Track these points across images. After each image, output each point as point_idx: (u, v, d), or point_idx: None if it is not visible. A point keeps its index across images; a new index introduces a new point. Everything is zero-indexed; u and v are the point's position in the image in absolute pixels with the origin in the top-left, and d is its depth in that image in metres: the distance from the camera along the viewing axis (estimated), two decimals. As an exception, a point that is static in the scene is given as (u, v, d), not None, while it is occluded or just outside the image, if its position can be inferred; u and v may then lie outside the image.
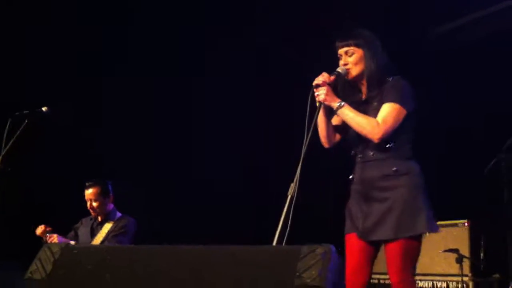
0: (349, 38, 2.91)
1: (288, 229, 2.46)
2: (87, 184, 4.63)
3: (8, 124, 4.05)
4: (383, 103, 2.82)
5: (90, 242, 4.54)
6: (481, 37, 5.43)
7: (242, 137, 6.04)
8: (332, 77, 2.88)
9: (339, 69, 2.91)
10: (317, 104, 2.86)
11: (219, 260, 1.77)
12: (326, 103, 2.84)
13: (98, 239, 4.53)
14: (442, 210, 5.06)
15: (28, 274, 1.89)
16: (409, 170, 2.83)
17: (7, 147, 4.01)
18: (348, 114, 2.82)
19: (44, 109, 4.15)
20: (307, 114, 2.77)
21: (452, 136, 5.34)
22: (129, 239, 4.55)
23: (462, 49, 5.51)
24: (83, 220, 4.80)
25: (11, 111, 4.14)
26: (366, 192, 2.87)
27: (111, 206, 4.68)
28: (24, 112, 4.13)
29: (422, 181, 2.87)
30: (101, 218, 4.66)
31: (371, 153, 2.87)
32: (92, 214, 4.65)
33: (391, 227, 2.76)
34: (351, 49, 2.89)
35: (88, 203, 4.61)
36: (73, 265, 1.83)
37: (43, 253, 1.87)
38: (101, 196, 4.61)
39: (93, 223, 4.70)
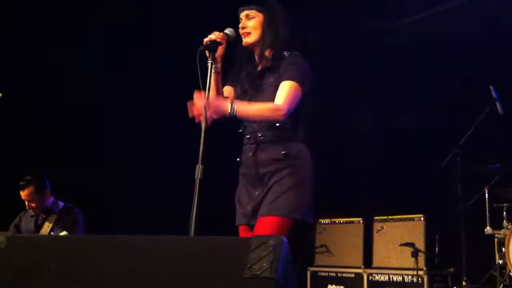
0: (253, 2, 2.74)
1: (196, 215, 2.32)
2: (20, 184, 4.37)
3: None
4: (280, 79, 2.66)
5: None
6: (434, 33, 5.52)
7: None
8: (224, 36, 2.69)
9: (227, 31, 2.73)
10: (209, 68, 2.62)
11: (165, 251, 1.75)
12: (218, 117, 2.56)
13: (44, 232, 4.37)
14: (399, 204, 5.20)
15: (-27, 264, 1.85)
16: (299, 155, 2.67)
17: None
18: (245, 112, 2.61)
19: None
20: (200, 80, 2.54)
21: (409, 132, 5.42)
22: (81, 232, 4.44)
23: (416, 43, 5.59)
24: (22, 215, 4.59)
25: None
26: (254, 176, 2.70)
27: (51, 199, 4.49)
28: None
29: (310, 167, 2.70)
30: (44, 215, 4.47)
31: (260, 135, 2.70)
32: (33, 212, 4.46)
33: (264, 205, 2.61)
34: (252, 12, 2.74)
35: (26, 204, 4.39)
36: (19, 254, 1.79)
37: (-11, 243, 1.83)
38: (37, 194, 4.38)
39: (36, 220, 4.50)
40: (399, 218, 5.03)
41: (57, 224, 4.41)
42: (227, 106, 2.58)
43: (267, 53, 2.75)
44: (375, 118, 5.51)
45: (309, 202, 2.65)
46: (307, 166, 2.68)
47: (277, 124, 2.65)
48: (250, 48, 2.78)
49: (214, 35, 2.68)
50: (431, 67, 5.39)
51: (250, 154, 2.72)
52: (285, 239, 1.80)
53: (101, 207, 5.25)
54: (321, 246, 5.38)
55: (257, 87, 2.74)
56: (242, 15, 2.76)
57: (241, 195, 2.76)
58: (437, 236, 4.90)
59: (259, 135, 2.70)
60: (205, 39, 2.67)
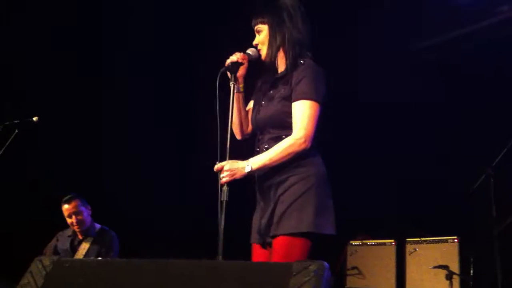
0: (257, 13, 2.70)
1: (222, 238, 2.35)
2: (65, 199, 4.47)
3: None
4: (293, 93, 2.59)
5: None
6: (469, 50, 5.49)
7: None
8: (245, 56, 2.67)
9: (249, 51, 2.71)
10: (232, 89, 2.61)
11: (206, 276, 1.76)
12: (238, 178, 2.54)
13: (79, 256, 4.41)
14: (432, 226, 5.14)
15: (18, 288, 1.88)
16: (305, 163, 2.58)
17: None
18: (264, 163, 2.56)
19: (34, 119, 4.09)
20: (217, 103, 2.52)
21: (442, 152, 5.37)
22: (116, 255, 4.47)
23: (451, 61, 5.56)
24: (59, 236, 4.64)
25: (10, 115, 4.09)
26: (261, 189, 2.65)
27: (90, 219, 4.56)
28: (15, 121, 4.08)
29: (318, 172, 2.60)
30: (81, 235, 4.52)
31: (265, 146, 2.64)
32: (76, 229, 4.49)
33: (274, 224, 2.54)
34: (258, 27, 2.69)
35: (72, 219, 4.45)
36: (64, 278, 1.82)
37: (35, 266, 1.86)
38: (82, 207, 4.48)
39: (73, 241, 4.55)
40: (432, 240, 4.97)
41: (93, 246, 4.46)
42: (242, 169, 2.54)
43: (281, 61, 2.70)
44: (408, 137, 5.48)
45: (320, 211, 2.53)
46: (313, 173, 2.58)
47: (282, 136, 2.58)
48: (268, 61, 2.73)
49: (236, 56, 2.67)
50: (460, 85, 5.36)
51: None
52: (326, 264, 1.79)
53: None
54: (353, 268, 5.32)
55: (269, 97, 2.70)
56: (255, 30, 2.75)
57: (255, 211, 2.73)
58: (471, 259, 4.81)
59: (265, 146, 2.65)
60: (227, 61, 2.66)
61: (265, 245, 2.63)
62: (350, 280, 5.37)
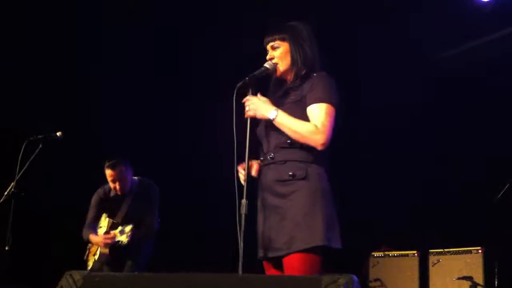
0: (275, 32, 2.77)
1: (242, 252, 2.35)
2: (110, 163, 4.42)
3: (22, 149, 4.05)
4: (306, 99, 2.64)
5: (116, 215, 4.45)
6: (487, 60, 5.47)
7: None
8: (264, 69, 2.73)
9: (266, 64, 2.75)
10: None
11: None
12: (258, 117, 2.63)
13: (123, 211, 4.45)
14: (456, 237, 5.09)
15: (49, 302, 1.90)
16: (308, 174, 2.56)
17: (22, 171, 4.04)
18: (284, 123, 2.59)
19: (58, 134, 4.15)
20: (234, 120, 2.57)
21: (465, 162, 5.33)
22: (158, 208, 4.48)
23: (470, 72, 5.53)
24: (100, 192, 4.60)
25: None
26: (264, 200, 2.63)
27: (131, 178, 4.55)
28: (39, 136, 4.15)
29: (323, 187, 2.59)
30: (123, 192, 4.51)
31: (270, 156, 2.65)
32: (118, 192, 4.47)
33: (284, 241, 2.50)
34: (276, 43, 2.75)
35: (116, 184, 4.42)
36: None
37: (65, 281, 1.87)
38: (126, 173, 4.46)
39: (115, 197, 4.53)
40: (456, 251, 4.92)
41: (135, 202, 4.46)
42: (268, 111, 2.61)
43: (296, 74, 2.74)
44: (429, 147, 5.45)
45: (328, 225, 2.52)
46: (318, 187, 2.57)
47: (289, 141, 2.60)
48: (282, 76, 2.78)
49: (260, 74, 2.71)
50: (483, 92, 5.33)
51: (262, 176, 2.69)
52: (355, 277, 1.78)
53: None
54: (375, 280, 5.27)
55: (280, 105, 2.71)
56: (268, 46, 2.79)
57: (258, 223, 2.68)
58: (496, 269, 4.76)
59: (269, 155, 2.65)
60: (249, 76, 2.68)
61: (270, 259, 2.61)
62: (373, 292, 5.33)
